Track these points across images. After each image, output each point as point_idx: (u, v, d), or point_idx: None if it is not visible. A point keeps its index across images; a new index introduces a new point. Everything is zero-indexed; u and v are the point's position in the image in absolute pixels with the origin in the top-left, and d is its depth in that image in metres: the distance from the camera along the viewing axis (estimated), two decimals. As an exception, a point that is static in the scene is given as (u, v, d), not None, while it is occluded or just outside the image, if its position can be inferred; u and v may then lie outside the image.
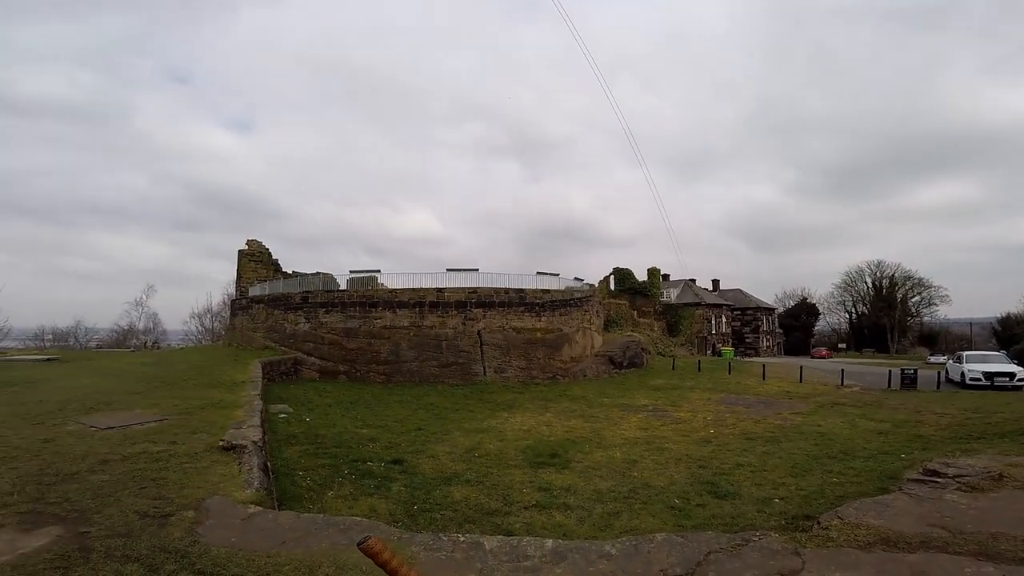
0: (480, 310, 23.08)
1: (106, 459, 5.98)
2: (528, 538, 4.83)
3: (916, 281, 74.38)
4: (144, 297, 50.62)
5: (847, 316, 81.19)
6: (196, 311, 54.19)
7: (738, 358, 48.46)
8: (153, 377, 13.75)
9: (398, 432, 11.95)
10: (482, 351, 22.63)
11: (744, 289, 71.51)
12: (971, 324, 72.12)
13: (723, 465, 10.08)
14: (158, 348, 41.90)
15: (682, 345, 49.80)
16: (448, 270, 23.77)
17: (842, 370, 28.32)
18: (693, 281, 62.97)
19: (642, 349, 34.10)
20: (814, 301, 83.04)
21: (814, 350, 64.85)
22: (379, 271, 24.01)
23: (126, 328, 49.97)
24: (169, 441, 6.76)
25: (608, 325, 37.09)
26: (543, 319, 24.69)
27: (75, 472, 5.49)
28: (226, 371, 15.45)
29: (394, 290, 22.85)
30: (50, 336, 50.66)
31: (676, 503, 7.86)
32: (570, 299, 26.50)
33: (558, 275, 27.36)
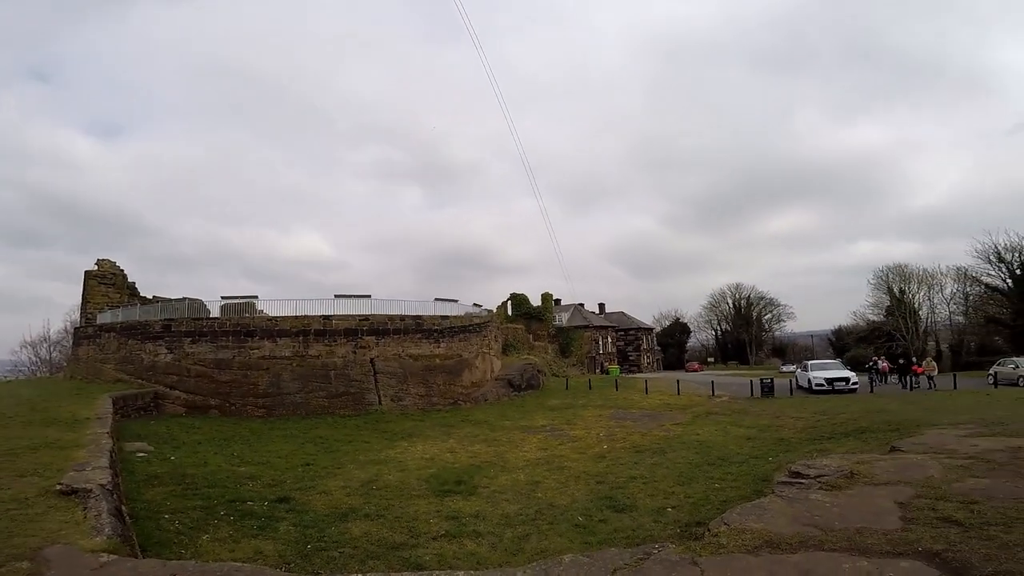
0: (372, 337, 22.03)
1: None
2: (437, 572, 4.53)
3: (768, 301, 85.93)
4: None
5: (713, 333, 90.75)
6: (29, 339, 45.41)
7: (623, 375, 51.59)
8: None
9: (282, 468, 10.82)
10: (376, 380, 21.54)
11: (626, 311, 76.89)
12: (812, 336, 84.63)
13: (618, 479, 10.52)
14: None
15: (574, 365, 51.82)
16: (336, 296, 22.46)
17: (712, 382, 31.53)
18: (582, 305, 66.49)
19: (538, 371, 34.88)
20: (686, 320, 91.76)
21: (687, 364, 71.22)
22: (256, 297, 22.02)
23: None
24: None
25: (506, 349, 37.51)
26: (442, 345, 24.23)
27: None
28: (65, 406, 12.86)
29: (274, 318, 21.05)
30: None
31: (580, 520, 7.96)
32: (469, 325, 26.38)
33: (456, 301, 27.18)
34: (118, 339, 21.39)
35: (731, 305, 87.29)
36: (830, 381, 25.54)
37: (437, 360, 23.82)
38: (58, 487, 5.27)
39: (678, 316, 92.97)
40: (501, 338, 35.50)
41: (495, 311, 39.25)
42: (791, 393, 25.79)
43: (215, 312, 22.18)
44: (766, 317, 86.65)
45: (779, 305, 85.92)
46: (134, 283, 28.05)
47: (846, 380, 25.40)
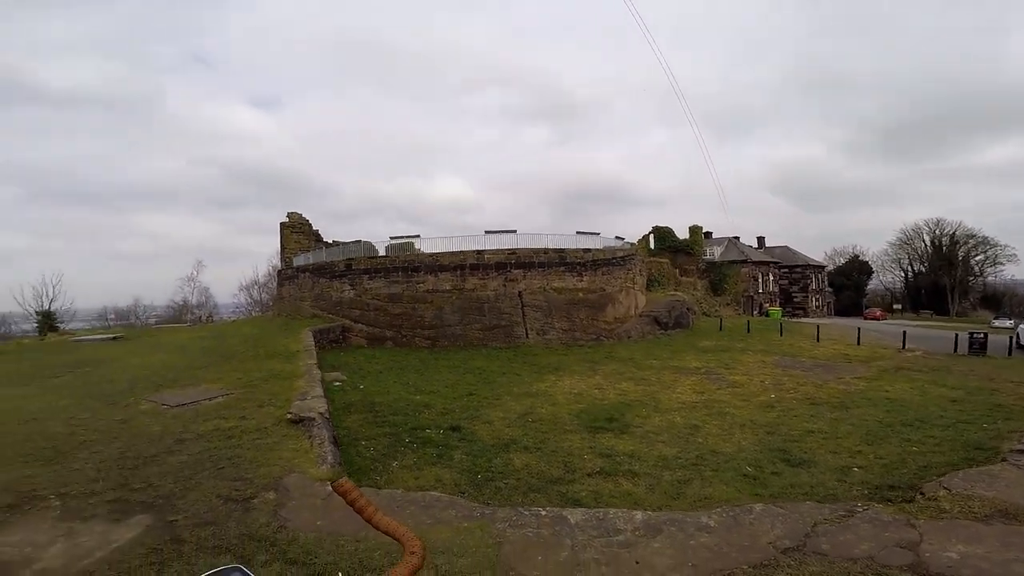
0: (520, 271, 22.74)
1: (182, 438, 6.03)
2: (614, 510, 4.60)
3: (980, 240, 68.76)
4: (195, 273, 52.52)
5: (902, 275, 76.56)
6: (244, 284, 55.90)
7: (786, 318, 46.96)
8: (212, 351, 14.06)
9: (450, 398, 11.94)
10: (523, 313, 22.42)
11: (791, 246, 68.40)
12: None
13: (791, 431, 9.70)
14: (212, 321, 43.57)
15: (727, 305, 48.47)
16: (487, 232, 23.42)
17: (904, 332, 26.91)
18: (737, 239, 60.60)
19: (687, 309, 33.23)
20: (866, 259, 78.65)
21: (867, 311, 61.62)
22: (418, 236, 23.93)
23: (181, 303, 52.16)
24: (239, 416, 6.79)
25: (650, 285, 36.20)
26: (585, 279, 24.18)
27: (154, 454, 5.54)
28: (280, 341, 15.75)
29: (435, 254, 22.71)
30: (112, 315, 53.40)
31: (748, 471, 7.55)
32: (612, 258, 25.80)
33: (599, 234, 26.61)
34: (311, 279, 25.07)
35: (928, 243, 71.95)
36: None
37: (580, 294, 23.90)
38: (288, 416, 6.45)
39: (857, 253, 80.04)
40: (646, 272, 34.24)
41: (635, 244, 37.73)
42: (1009, 353, 20.75)
43: (382, 252, 24.78)
44: (976, 259, 69.93)
45: (996, 245, 67.89)
46: (317, 230, 32.31)
47: None
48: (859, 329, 29.47)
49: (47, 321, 27.43)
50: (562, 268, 23.59)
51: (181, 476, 4.89)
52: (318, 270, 24.83)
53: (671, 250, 49.88)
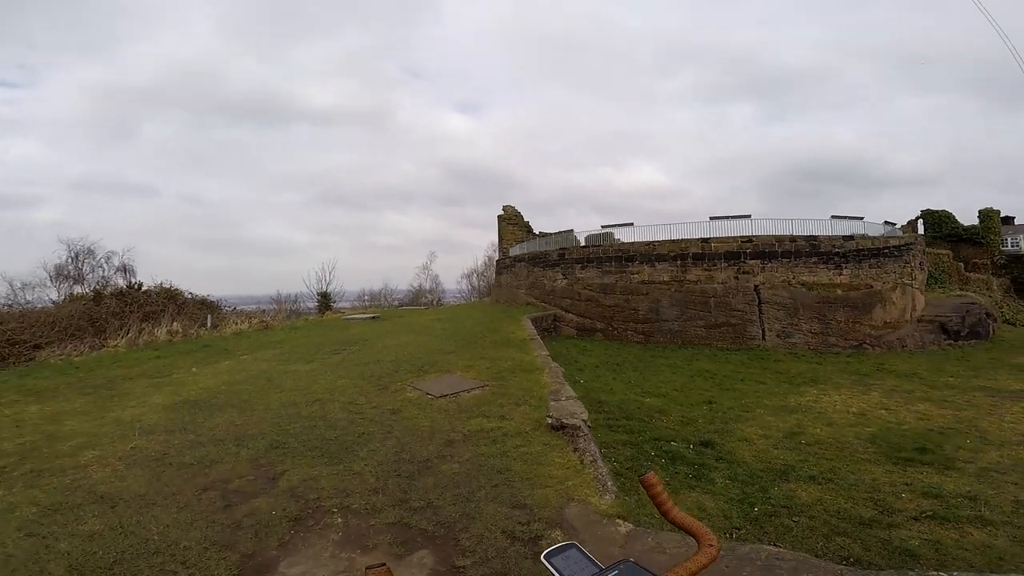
0: (757, 262, 19.54)
1: (451, 439, 5.78)
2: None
3: None
4: (428, 262, 60.61)
5: None
6: (465, 272, 62.09)
7: None
8: (453, 334, 14.83)
9: (686, 404, 10.30)
10: (760, 310, 19.23)
11: None
12: None
13: None
14: (441, 305, 49.11)
15: (1046, 310, 35.79)
16: (712, 218, 20.70)
17: None
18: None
19: (987, 315, 25.10)
20: None
21: None
22: (631, 223, 22.38)
23: (417, 288, 60.42)
24: (499, 416, 6.39)
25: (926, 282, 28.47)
26: (845, 272, 19.73)
27: (427, 459, 5.26)
28: (506, 327, 16.16)
29: (651, 242, 20.96)
30: (368, 297, 64.57)
31: None
32: (884, 247, 20.60)
33: (862, 218, 21.54)
34: (527, 268, 25.70)
35: None
36: None
37: (838, 291, 19.53)
38: (548, 420, 5.66)
39: None
40: (927, 266, 27.06)
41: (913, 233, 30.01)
42: None
43: (582, 242, 24.07)
44: None
45: None
46: (528, 222, 33.31)
47: None
48: None
49: (325, 301, 33.57)
50: (814, 259, 19.61)
51: (459, 495, 4.43)
52: (532, 259, 25.30)
53: (951, 239, 39.08)
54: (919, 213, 41.51)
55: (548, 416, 5.64)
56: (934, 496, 6.09)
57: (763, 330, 19.07)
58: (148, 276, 33.84)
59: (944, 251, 35.64)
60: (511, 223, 31.54)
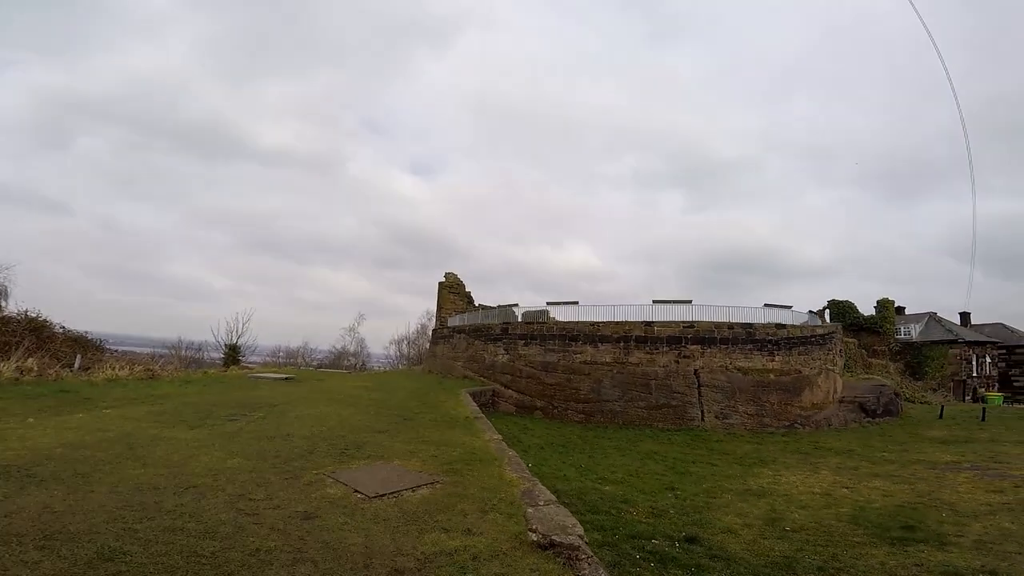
0: (697, 347, 19.95)
1: (398, 568, 3.82)
2: None
3: None
4: (356, 324, 57.17)
5: None
6: (395, 338, 59.44)
7: (1005, 405, 36.69)
8: (384, 406, 13.09)
9: (648, 492, 9.64)
10: (700, 393, 19.38)
11: (1006, 323, 55.02)
12: None
13: None
14: (365, 369, 46.18)
15: (934, 390, 39.35)
16: (655, 302, 21.22)
17: None
18: (935, 315, 50.28)
19: (895, 394, 27.00)
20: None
21: None
22: (576, 302, 22.42)
23: (340, 350, 56.74)
24: (462, 529, 4.61)
25: (838, 367, 30.46)
26: (777, 359, 20.53)
27: None
28: (444, 401, 14.75)
29: (596, 323, 20.99)
30: (283, 354, 59.75)
31: None
32: (811, 336, 21.85)
33: (791, 307, 22.93)
34: (467, 339, 24.83)
35: None
36: None
37: (771, 375, 20.21)
38: (532, 536, 4.27)
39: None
40: (844, 354, 28.99)
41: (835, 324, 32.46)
42: None
43: (519, 318, 23.72)
44: None
45: None
46: (470, 292, 32.87)
47: None
48: None
49: (232, 354, 29.63)
50: (749, 346, 20.32)
51: None
52: (473, 331, 24.54)
53: (853, 328, 42.64)
54: (826, 303, 45.33)
55: (530, 529, 4.18)
56: (954, 575, 5.93)
57: (702, 412, 19.13)
58: (31, 301, 29.01)
59: (850, 339, 38.73)
60: (452, 291, 30.91)
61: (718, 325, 20.34)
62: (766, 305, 22.30)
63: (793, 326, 22.06)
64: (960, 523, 7.88)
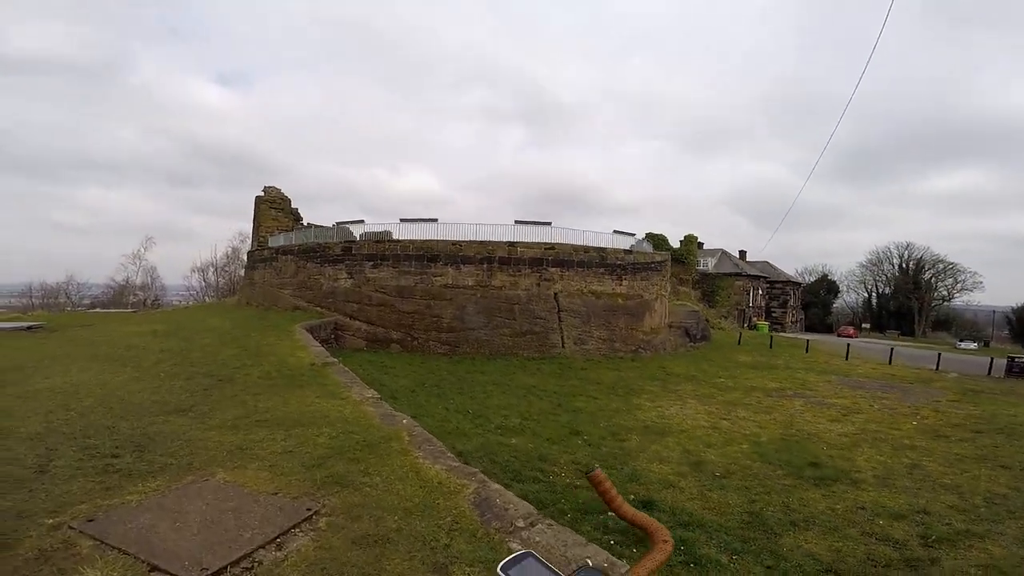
0: (557, 270, 19.19)
1: None
2: None
3: (947, 265, 71.00)
4: (142, 250, 45.20)
5: (867, 296, 78.82)
6: (198, 265, 49.06)
7: (771, 332, 46.02)
8: (181, 359, 8.96)
9: (556, 440, 8.19)
10: (560, 319, 18.90)
11: (771, 262, 68.22)
12: (995, 312, 69.01)
13: None
14: (159, 307, 37.39)
15: (724, 317, 46.70)
16: (517, 222, 19.74)
17: (939, 355, 25.69)
18: (725, 251, 59.56)
19: (707, 321, 30.78)
20: (834, 278, 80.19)
21: (842, 328, 62.25)
22: (436, 220, 19.78)
23: (122, 283, 45.07)
24: None
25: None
26: (624, 283, 20.93)
27: None
28: (275, 344, 11.12)
29: (459, 242, 18.76)
30: (39, 292, 45.53)
31: None
32: (651, 262, 22.73)
33: (634, 235, 23.54)
34: (296, 262, 20.58)
35: (896, 267, 74.34)
36: None
37: (619, 300, 20.62)
38: None
39: (826, 272, 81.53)
40: (671, 280, 31.64)
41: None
42: None
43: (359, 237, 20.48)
44: (945, 283, 72.14)
45: (962, 271, 70.22)
46: (297, 208, 27.64)
47: None
48: (848, 346, 29.92)
49: None
50: (602, 270, 20.21)
51: None
52: (305, 253, 20.39)
53: (666, 259, 47.71)
54: (644, 235, 49.78)
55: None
56: (908, 519, 5.78)
57: (563, 338, 18.76)
58: None
59: (665, 268, 43.23)
60: (274, 207, 25.48)
61: (576, 248, 19.81)
62: (615, 231, 22.55)
63: (639, 252, 22.79)
64: (844, 457, 8.19)
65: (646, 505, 5.50)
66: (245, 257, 30.34)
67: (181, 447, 4.42)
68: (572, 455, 7.27)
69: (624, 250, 21.67)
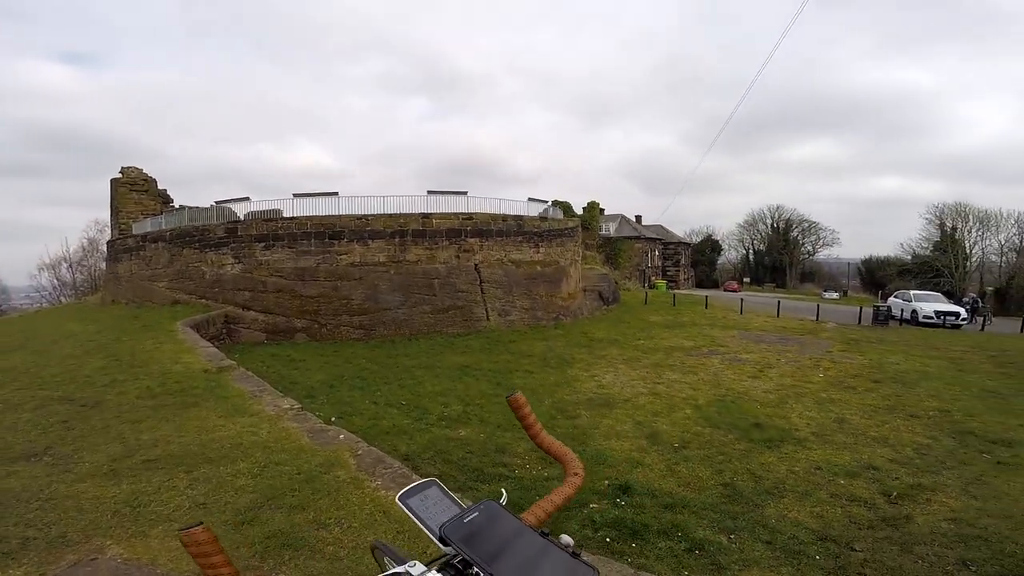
0: (476, 240, 18.25)
1: None
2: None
3: (810, 223, 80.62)
4: None
5: (745, 253, 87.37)
6: (47, 261, 41.19)
7: (670, 291, 49.18)
8: (30, 379, 6.90)
9: (503, 425, 7.44)
10: (482, 290, 18.10)
11: (664, 225, 72.55)
12: (850, 264, 79.80)
13: (955, 410, 8.45)
14: (2, 314, 30.91)
15: (627, 278, 48.73)
16: (431, 192, 18.38)
17: (818, 306, 28.52)
18: (624, 216, 62.10)
19: (616, 283, 31.63)
20: (717, 238, 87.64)
21: (726, 283, 68.37)
22: (336, 193, 17.79)
23: None
24: None
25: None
26: (542, 250, 20.54)
27: None
28: (154, 349, 8.94)
29: (363, 216, 17.05)
30: None
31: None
32: (565, 228, 22.58)
33: (548, 202, 23.20)
34: (169, 250, 17.62)
35: (769, 225, 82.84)
36: (940, 314, 23.67)
37: (538, 267, 20.26)
38: None
39: (710, 233, 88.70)
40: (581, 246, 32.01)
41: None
42: (900, 324, 24.06)
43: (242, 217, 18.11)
44: (810, 239, 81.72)
45: (824, 229, 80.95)
46: (165, 190, 23.81)
47: (956, 315, 23.77)
48: (741, 300, 32.57)
49: None
50: (520, 238, 19.59)
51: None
52: (180, 238, 17.49)
53: (572, 225, 48.58)
54: (551, 202, 50.16)
55: None
56: (862, 476, 5.82)
57: (487, 310, 18.03)
58: None
59: (572, 234, 43.95)
60: (135, 189, 21.62)
61: (494, 217, 19.00)
62: (530, 199, 22.10)
63: (553, 219, 22.57)
64: (779, 415, 8.28)
65: (624, 489, 4.99)
66: (106, 248, 25.87)
67: (44, 510, 3.06)
68: (528, 441, 6.61)
69: (540, 217, 21.25)
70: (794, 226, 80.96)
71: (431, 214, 17.62)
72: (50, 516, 3.01)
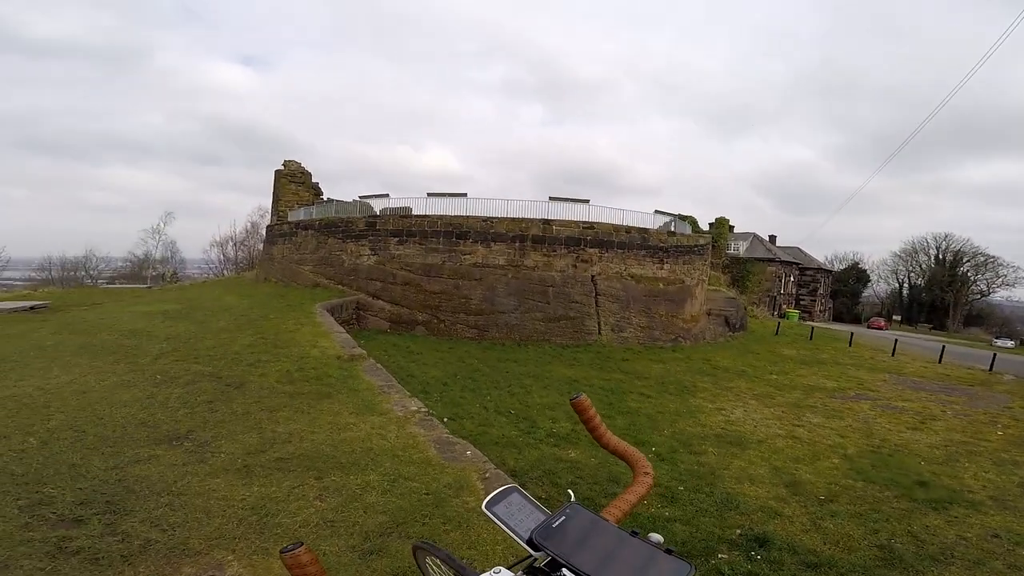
0: (596, 250, 17.82)
1: None
2: None
3: (987, 258, 67.26)
4: (161, 224, 44.41)
5: (897, 286, 75.71)
6: (218, 239, 48.48)
7: (802, 322, 44.23)
8: (187, 351, 7.58)
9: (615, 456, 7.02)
10: (597, 303, 17.61)
11: (803, 247, 65.53)
12: None
13: None
14: (177, 281, 36.91)
15: (755, 304, 44.88)
16: (552, 199, 18.35)
17: (994, 355, 23.83)
18: (756, 235, 57.17)
19: (745, 309, 29.17)
20: (865, 267, 77.01)
21: (872, 320, 59.78)
22: (465, 195, 18.50)
23: (141, 257, 44.75)
24: None
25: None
26: (666, 267, 19.49)
27: None
28: (295, 330, 9.96)
29: (489, 219, 17.48)
30: (57, 267, 45.36)
31: None
32: (695, 245, 21.24)
33: (673, 216, 22.00)
34: (317, 237, 19.54)
35: (931, 257, 70.79)
36: None
37: (660, 284, 19.22)
38: None
39: (857, 260, 78.19)
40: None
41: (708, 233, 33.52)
42: None
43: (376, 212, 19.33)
44: (985, 276, 68.41)
45: (1003, 265, 66.20)
46: (317, 183, 26.56)
47: None
48: (895, 341, 27.51)
49: None
50: (643, 252, 18.77)
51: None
52: (327, 227, 19.32)
53: (696, 241, 45.85)
54: (676, 215, 47.84)
55: None
56: None
57: (599, 324, 17.49)
58: None
59: (696, 251, 41.43)
60: (294, 181, 24.41)
61: (616, 228, 18.39)
62: (657, 211, 21.09)
63: (682, 235, 21.34)
64: (948, 474, 7.14)
65: (760, 542, 4.35)
66: (264, 232, 29.50)
67: (172, 507, 3.12)
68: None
69: (667, 232, 20.20)
70: (965, 259, 68.21)
71: (552, 220, 17.51)
72: (177, 516, 3.03)
